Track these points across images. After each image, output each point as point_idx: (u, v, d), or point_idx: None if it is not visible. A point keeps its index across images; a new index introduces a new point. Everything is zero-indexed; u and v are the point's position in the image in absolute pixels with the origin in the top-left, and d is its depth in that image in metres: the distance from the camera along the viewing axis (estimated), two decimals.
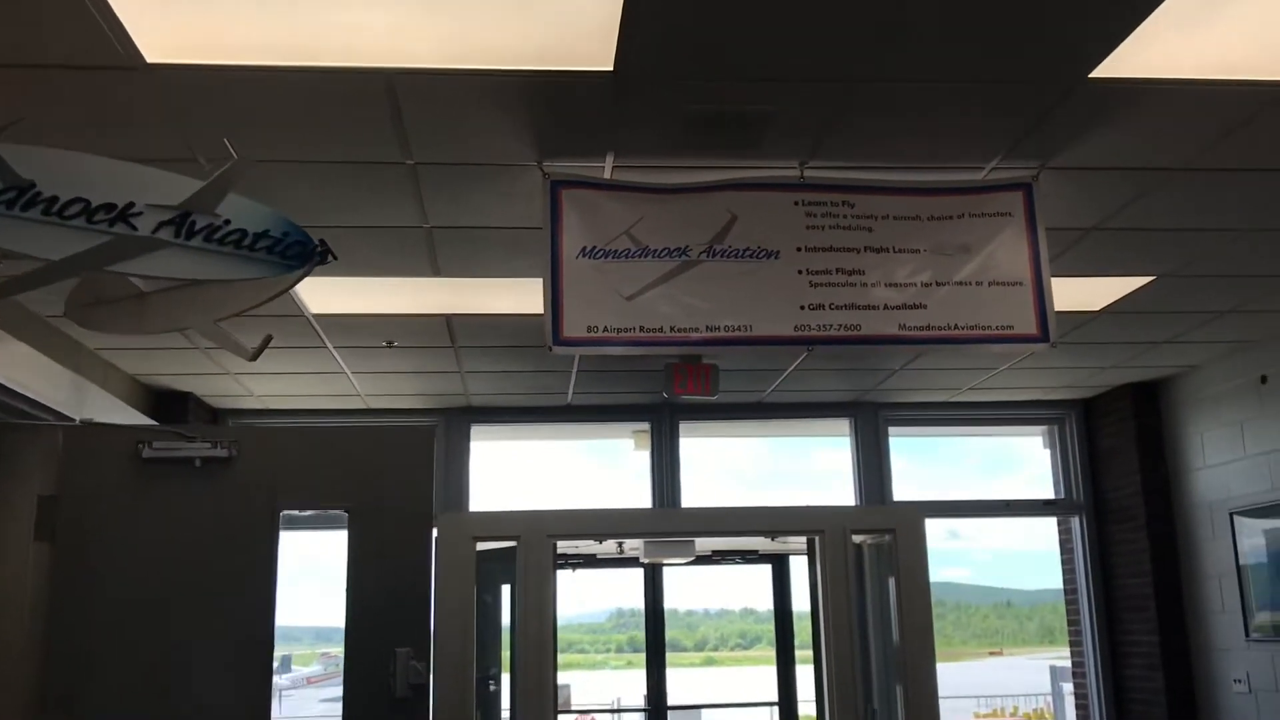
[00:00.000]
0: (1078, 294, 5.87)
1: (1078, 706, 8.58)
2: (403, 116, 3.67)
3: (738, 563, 9.12)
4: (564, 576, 9.35)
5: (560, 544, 8.01)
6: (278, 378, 7.11)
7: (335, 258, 3.05)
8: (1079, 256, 5.23)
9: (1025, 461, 9.33)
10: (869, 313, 4.12)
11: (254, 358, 3.44)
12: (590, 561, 8.78)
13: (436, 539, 7.12)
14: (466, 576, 7.01)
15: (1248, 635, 7.07)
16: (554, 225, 4.02)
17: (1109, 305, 6.03)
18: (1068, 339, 6.67)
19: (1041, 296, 4.19)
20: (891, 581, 7.41)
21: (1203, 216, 4.82)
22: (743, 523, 7.33)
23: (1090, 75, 3.56)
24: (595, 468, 11.09)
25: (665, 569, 8.68)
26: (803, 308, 4.09)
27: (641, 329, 4.03)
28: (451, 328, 6.12)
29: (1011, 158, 4.17)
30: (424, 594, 4.31)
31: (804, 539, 7.64)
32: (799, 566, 8.84)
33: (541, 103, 3.64)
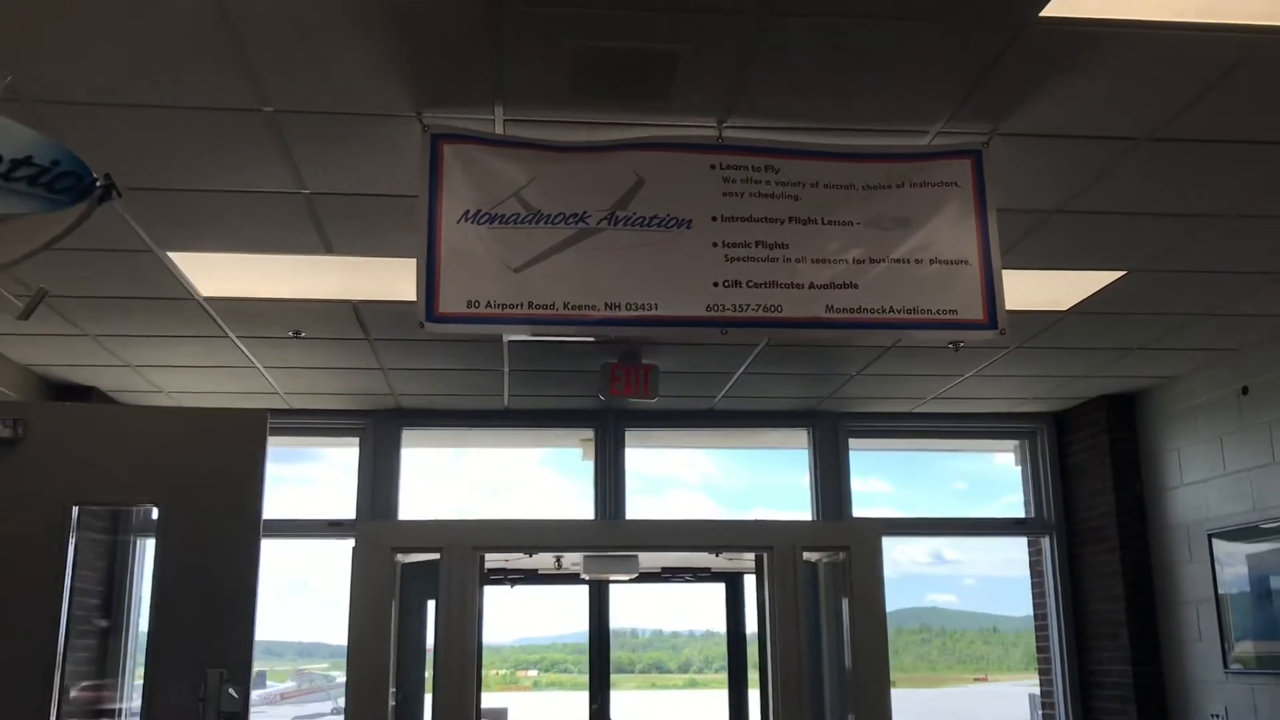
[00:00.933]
0: (1043, 291, 5.36)
1: None
2: (245, 46, 3.15)
3: (688, 580, 8.57)
4: (512, 593, 8.81)
5: (496, 559, 7.46)
6: (183, 372, 6.55)
7: (119, 195, 2.51)
8: (1041, 244, 4.72)
9: (998, 482, 8.84)
10: (792, 292, 3.59)
11: (24, 316, 2.89)
12: (531, 578, 8.23)
13: (354, 549, 6.59)
14: (385, 590, 6.47)
15: (1226, 666, 6.53)
16: (432, 183, 3.49)
17: (1077, 304, 5.52)
18: (1034, 343, 6.16)
19: (990, 278, 3.67)
20: (846, 598, 6.89)
21: (1177, 198, 4.31)
22: (685, 537, 6.80)
23: (1041, 14, 3.06)
24: (546, 480, 10.55)
25: (615, 587, 8.14)
26: (717, 285, 3.57)
27: (531, 305, 3.49)
28: (360, 316, 5.58)
29: (959, 120, 3.66)
30: (247, 608, 3.69)
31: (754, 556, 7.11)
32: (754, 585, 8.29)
33: (411, 34, 3.12)
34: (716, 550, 6.89)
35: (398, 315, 5.57)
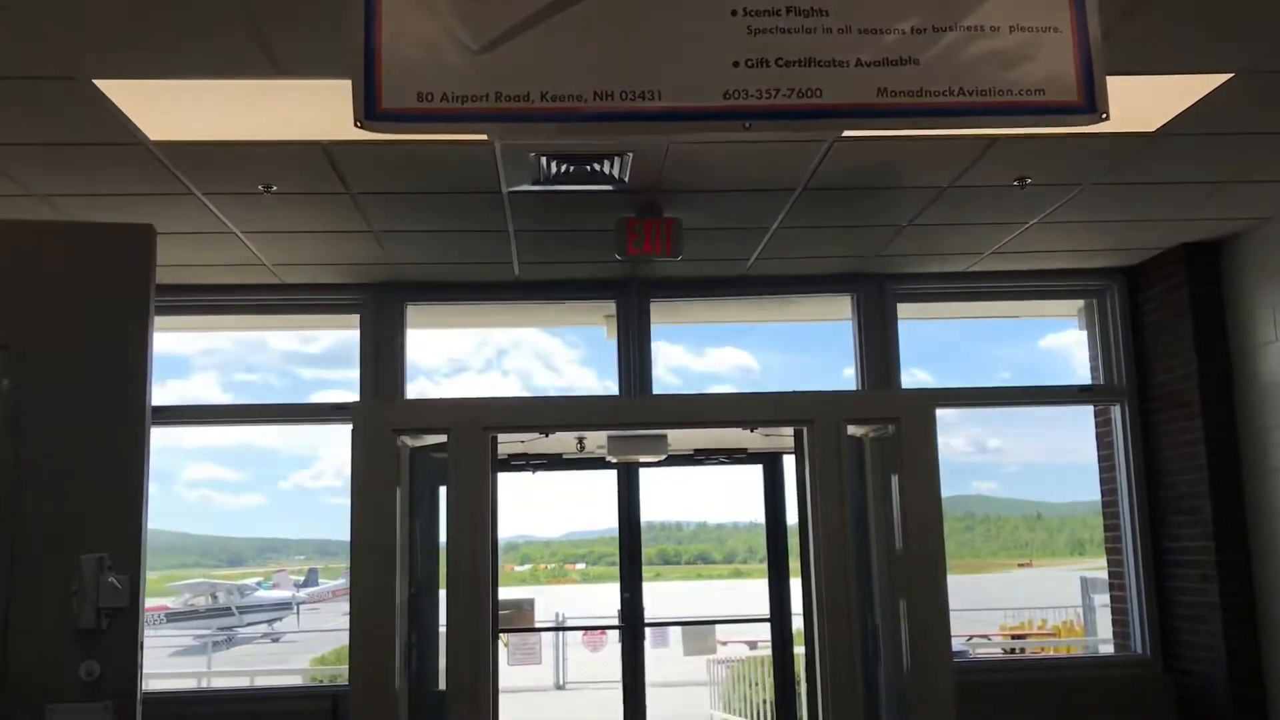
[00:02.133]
0: (1128, 105, 4.50)
1: (1115, 622, 7.38)
2: None
3: (723, 462, 7.92)
4: (558, 488, 8.23)
5: (511, 441, 6.82)
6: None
7: None
8: (1131, 38, 3.87)
9: (1058, 352, 8.02)
10: (834, 72, 2.80)
11: None
12: (554, 463, 7.61)
13: (352, 432, 5.96)
14: (387, 476, 5.84)
15: None
16: None
17: (1168, 122, 4.67)
18: (1112, 176, 5.32)
19: (1086, 47, 2.86)
20: (895, 480, 6.19)
21: None
22: (716, 412, 6.10)
23: None
24: (569, 370, 9.86)
25: (652, 479, 7.56)
26: (737, 65, 2.78)
27: (499, 97, 2.73)
28: (334, 162, 4.84)
29: None
30: (133, 478, 2.95)
31: (792, 433, 6.41)
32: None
33: None
34: (751, 425, 6.19)
35: (376, 160, 4.83)
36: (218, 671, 19.38)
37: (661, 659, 21.69)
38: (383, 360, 6.91)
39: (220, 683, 16.82)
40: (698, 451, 7.73)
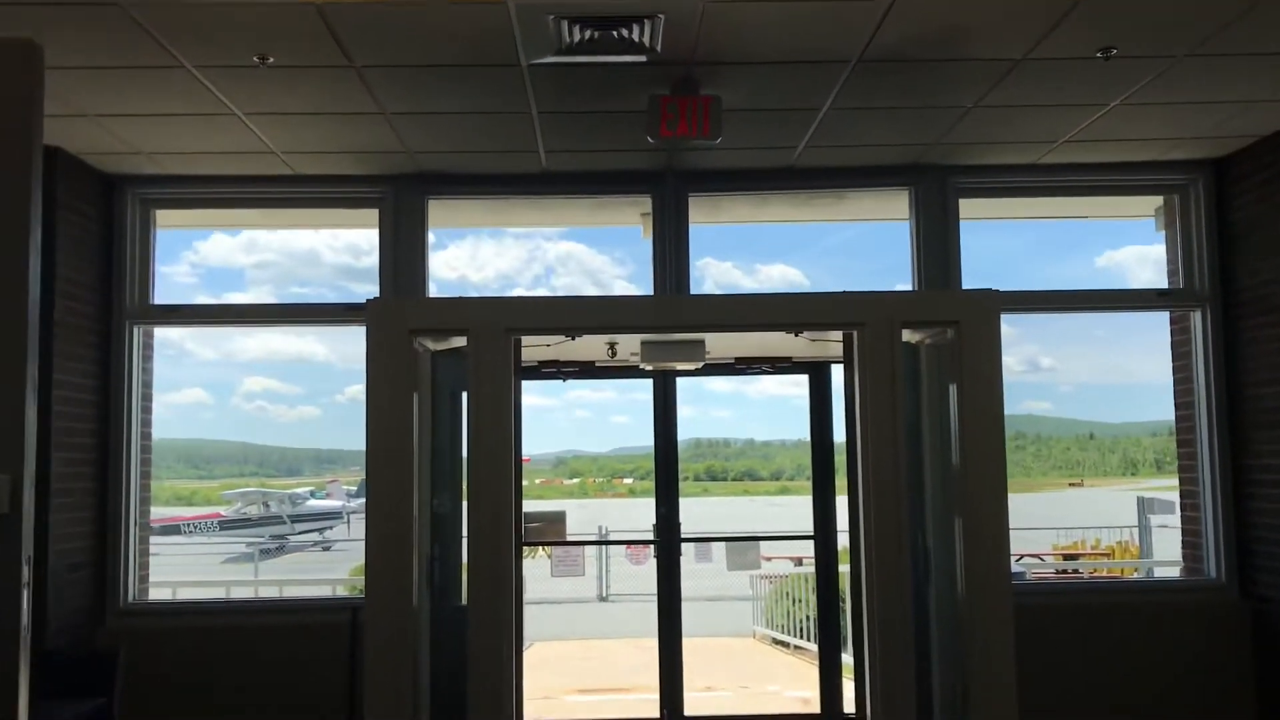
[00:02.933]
0: None
1: (1185, 544, 6.85)
2: None
3: (766, 372, 7.42)
4: (604, 401, 7.82)
5: (537, 346, 6.36)
6: (154, 124, 5.42)
7: None
8: None
9: (1126, 267, 7.38)
10: None
11: None
12: (587, 371, 7.15)
13: (366, 333, 5.53)
14: (403, 380, 5.42)
15: None
16: None
17: None
18: (1208, 47, 4.66)
19: None
20: (953, 390, 5.67)
21: None
22: (758, 313, 5.58)
23: None
24: (602, 276, 9.34)
25: (698, 392, 7.06)
26: None
27: None
28: (331, 27, 4.32)
29: None
30: (16, 349, 2.46)
31: (841, 338, 5.89)
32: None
33: None
34: (797, 329, 5.68)
35: (378, 25, 4.30)
36: (263, 580, 19.43)
37: (705, 573, 21.55)
38: (403, 259, 6.45)
39: (265, 591, 16.82)
40: (739, 360, 7.24)
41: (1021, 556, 18.56)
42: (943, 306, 5.64)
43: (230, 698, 6.10)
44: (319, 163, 6.14)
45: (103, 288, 6.27)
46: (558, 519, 7.54)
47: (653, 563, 6.92)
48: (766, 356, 7.23)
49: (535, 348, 6.37)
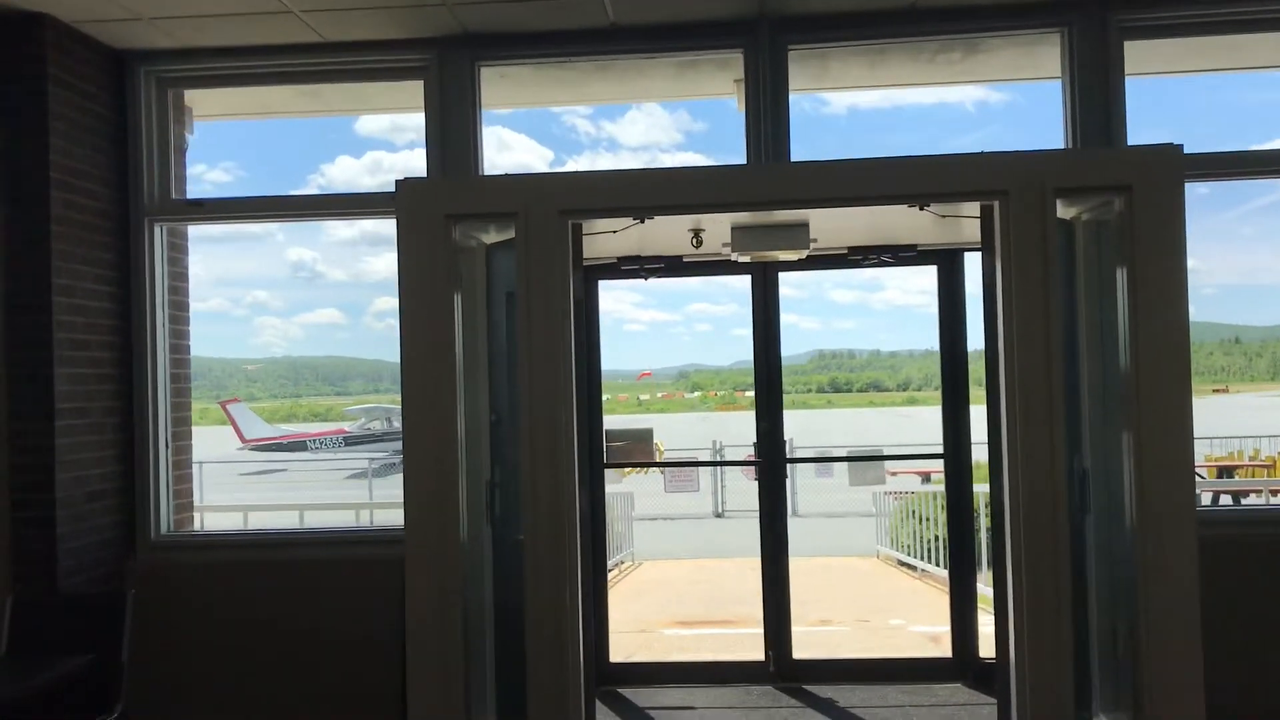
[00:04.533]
0: None
1: None
2: None
3: (885, 263, 6.24)
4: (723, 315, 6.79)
5: (616, 238, 5.34)
6: None
7: None
8: None
9: None
10: None
11: None
12: (673, 267, 6.11)
13: (397, 220, 4.59)
14: (440, 273, 4.47)
15: None
16: None
17: None
18: None
19: None
20: (1122, 276, 4.46)
21: None
22: (873, 181, 4.43)
23: None
24: (690, 149, 8.18)
25: (793, 281, 5.96)
26: None
27: None
28: None
29: None
30: None
31: (978, 213, 4.70)
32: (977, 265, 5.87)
33: None
34: (923, 201, 4.51)
35: None
36: (378, 503, 19.08)
37: (827, 488, 20.50)
38: (452, 140, 5.46)
39: (381, 517, 16.34)
40: (852, 251, 6.09)
41: None
42: (1110, 168, 4.39)
43: (266, 651, 5.37)
44: (346, 24, 5.16)
45: (120, 182, 5.47)
46: (644, 437, 6.59)
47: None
48: (885, 245, 6.06)
49: (605, 235, 5.34)
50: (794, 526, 18.01)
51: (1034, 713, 4.34)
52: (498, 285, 4.90)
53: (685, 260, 6.10)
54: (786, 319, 6.48)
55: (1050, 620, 4.32)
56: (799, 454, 21.21)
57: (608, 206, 4.47)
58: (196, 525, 6.03)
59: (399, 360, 4.50)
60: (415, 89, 5.55)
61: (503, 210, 4.47)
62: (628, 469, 14.01)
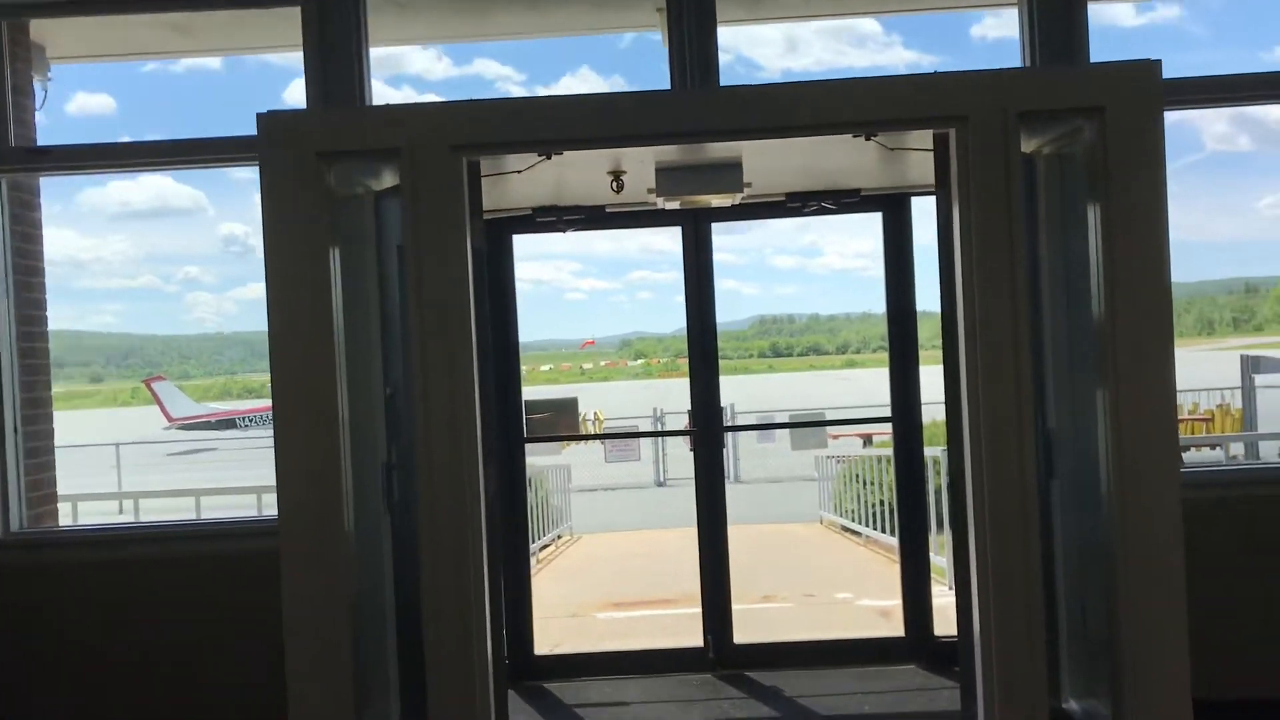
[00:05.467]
0: None
1: None
2: None
3: (827, 209, 5.67)
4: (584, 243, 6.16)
5: (515, 177, 4.68)
6: None
7: None
8: None
9: None
10: None
11: None
12: (595, 218, 5.47)
13: (260, 162, 3.91)
14: (311, 219, 3.81)
15: None
16: None
17: None
18: None
19: None
20: (1094, 212, 3.92)
21: None
22: (814, 108, 3.82)
23: None
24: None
25: (730, 239, 5.38)
26: None
27: None
28: None
29: None
30: None
31: (931, 144, 4.12)
32: (927, 212, 5.31)
33: None
34: (869, 130, 3.91)
35: None
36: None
37: (769, 454, 20.05)
38: (335, 76, 4.76)
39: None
40: (790, 197, 5.50)
41: None
42: (1080, 87, 3.83)
43: (136, 672, 4.69)
44: None
45: None
46: (567, 408, 5.99)
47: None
48: (826, 190, 5.48)
49: (517, 184, 4.69)
50: (737, 493, 17.53)
51: (1002, 697, 3.82)
52: (389, 239, 4.24)
53: (609, 210, 5.47)
54: (727, 284, 5.94)
55: (1019, 595, 3.81)
56: (740, 420, 20.78)
57: (508, 140, 3.81)
58: (66, 520, 5.31)
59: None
60: (294, 21, 4.83)
61: (384, 145, 3.80)
62: (568, 441, 13.45)
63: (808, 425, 12.50)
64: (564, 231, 5.56)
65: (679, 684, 5.39)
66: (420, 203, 3.77)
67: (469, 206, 3.88)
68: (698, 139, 3.86)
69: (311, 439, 3.78)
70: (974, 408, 3.83)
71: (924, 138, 4.13)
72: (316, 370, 3.79)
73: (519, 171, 4.29)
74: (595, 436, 12.10)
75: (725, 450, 5.74)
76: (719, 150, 4.40)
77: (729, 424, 22.15)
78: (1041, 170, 4.29)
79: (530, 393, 5.70)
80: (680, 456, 20.05)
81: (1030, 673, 3.82)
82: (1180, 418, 17.95)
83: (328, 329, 3.80)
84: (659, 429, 21.30)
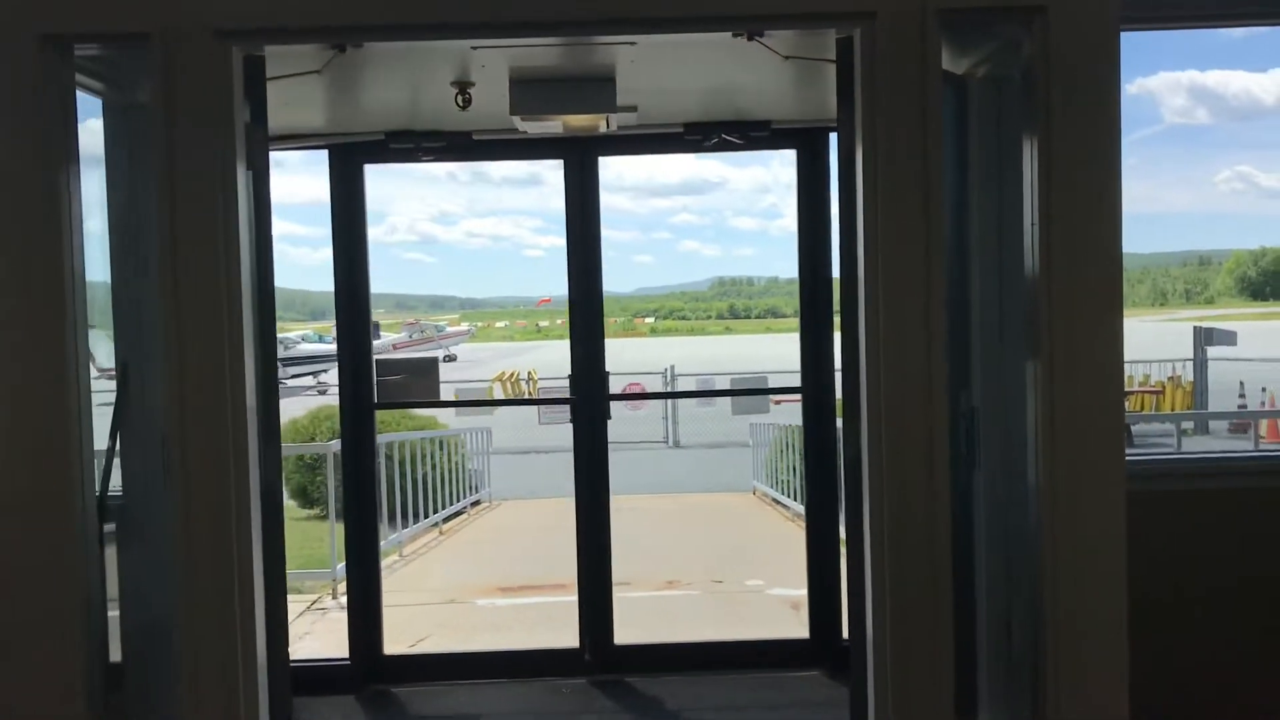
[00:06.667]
0: None
1: None
2: None
3: (734, 144, 4.84)
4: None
5: (376, 106, 3.82)
6: None
7: None
8: None
9: None
10: None
11: None
12: (460, 146, 4.61)
13: None
14: (38, 127, 2.96)
15: None
16: None
17: None
18: None
19: None
20: (1030, 146, 3.15)
21: None
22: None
23: None
24: None
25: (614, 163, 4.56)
26: None
27: None
28: None
29: None
30: None
31: (835, 51, 3.30)
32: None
33: None
34: (751, 26, 3.08)
35: None
36: None
37: (710, 418, 19.30)
38: None
39: None
40: (689, 128, 4.68)
41: None
42: None
43: None
44: None
45: None
46: (427, 370, 5.17)
47: (651, 408, 4.66)
48: (732, 121, 4.67)
49: (360, 95, 3.83)
50: (676, 459, 16.68)
51: (898, 710, 3.10)
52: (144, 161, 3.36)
53: (477, 138, 4.63)
54: (688, 245, 5.08)
55: (924, 594, 3.08)
56: (680, 384, 19.98)
57: (290, 27, 2.95)
58: None
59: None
60: None
61: (127, 29, 2.93)
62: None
63: (701, 394, 11.78)
64: (421, 160, 4.72)
65: (547, 691, 4.64)
66: (177, 107, 2.91)
67: (248, 114, 3.04)
68: (526, 33, 3.01)
69: (36, 416, 2.95)
70: (874, 380, 3.06)
71: (828, 45, 3.32)
72: (44, 325, 2.94)
73: (317, 72, 3.42)
74: (453, 404, 11.26)
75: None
76: (587, 61, 3.58)
77: (668, 388, 21.37)
78: (975, 97, 3.50)
79: (465, 352, 4.90)
80: (621, 417, 19.27)
81: (932, 690, 3.11)
82: (1131, 389, 17.42)
83: (60, 272, 2.95)
84: (520, 399, 20.17)
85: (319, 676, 4.66)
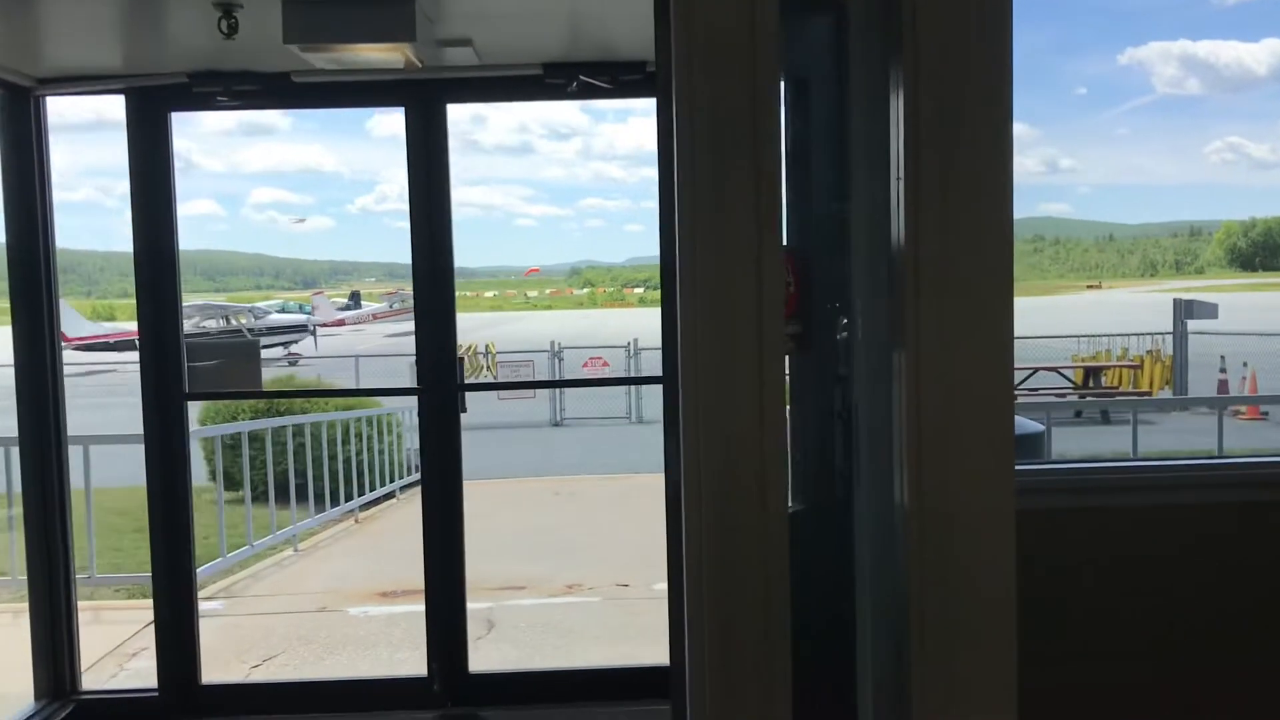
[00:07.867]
0: None
1: None
2: None
3: (602, 89, 4.10)
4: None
5: (181, 44, 3.10)
6: None
7: None
8: None
9: None
10: None
11: None
12: (277, 91, 3.88)
13: None
14: None
15: None
16: None
17: None
18: None
19: None
20: (899, 80, 2.46)
21: None
22: None
23: None
24: None
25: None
26: None
27: None
28: None
29: None
30: None
31: None
32: None
33: None
34: None
35: None
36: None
37: (604, 395, 18.52)
38: None
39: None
40: (549, 69, 3.97)
41: (1035, 370, 15.55)
42: None
43: None
44: None
45: None
46: (248, 354, 4.50)
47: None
48: (599, 62, 3.96)
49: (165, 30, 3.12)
50: (635, 435, 15.98)
51: None
52: None
53: (298, 80, 3.92)
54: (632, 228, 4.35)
55: (751, 620, 2.41)
56: (567, 356, 19.31)
57: None
58: None
59: None
60: None
61: None
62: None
63: (546, 385, 11.13)
64: (232, 108, 4.01)
65: None
66: None
67: None
68: None
69: None
70: (689, 366, 2.39)
71: None
72: None
73: None
74: (276, 394, 10.57)
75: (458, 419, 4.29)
76: None
77: (631, 362, 20.69)
78: (855, 26, 2.80)
79: (400, 328, 4.24)
80: (581, 393, 18.54)
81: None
82: (1108, 363, 16.77)
83: None
84: (554, 364, 19.71)
85: (116, 713, 4.01)
